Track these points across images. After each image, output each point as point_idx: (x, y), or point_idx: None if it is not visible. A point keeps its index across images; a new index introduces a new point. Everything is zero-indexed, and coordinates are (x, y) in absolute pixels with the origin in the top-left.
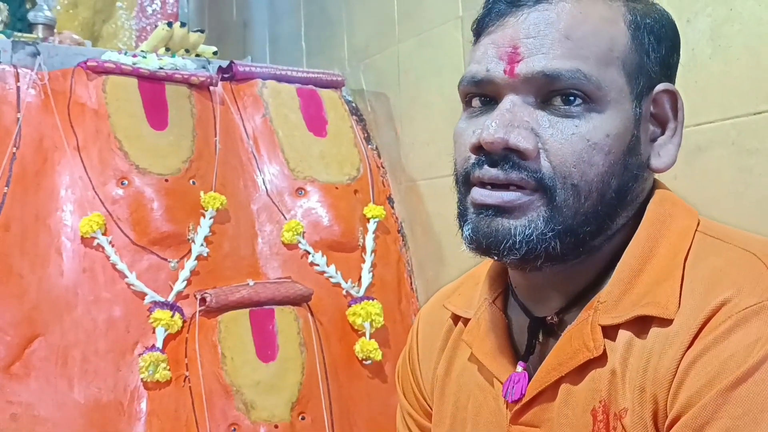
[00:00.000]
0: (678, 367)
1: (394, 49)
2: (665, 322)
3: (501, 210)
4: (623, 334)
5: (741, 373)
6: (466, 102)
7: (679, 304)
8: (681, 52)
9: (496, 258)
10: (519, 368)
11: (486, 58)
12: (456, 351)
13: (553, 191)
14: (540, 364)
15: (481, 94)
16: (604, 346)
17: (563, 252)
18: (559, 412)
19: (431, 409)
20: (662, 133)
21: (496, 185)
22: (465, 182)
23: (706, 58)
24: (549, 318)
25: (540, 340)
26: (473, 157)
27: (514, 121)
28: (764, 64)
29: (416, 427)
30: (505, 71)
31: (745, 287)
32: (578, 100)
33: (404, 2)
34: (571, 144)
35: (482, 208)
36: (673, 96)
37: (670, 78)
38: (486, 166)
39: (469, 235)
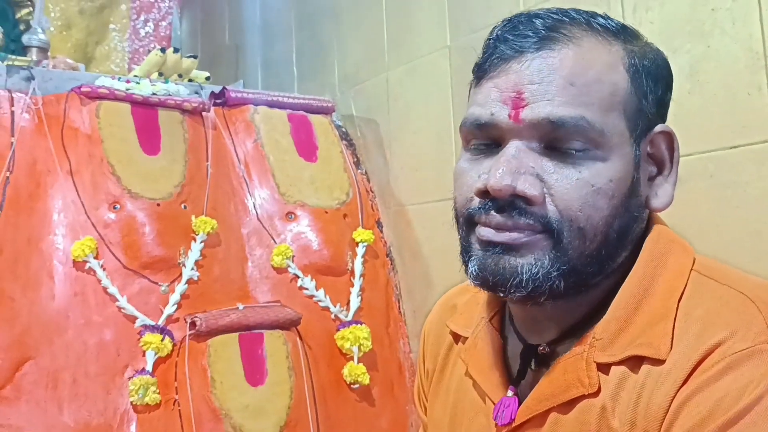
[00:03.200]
0: (671, 405)
1: (384, 76)
2: (658, 362)
3: (508, 248)
4: (616, 370)
5: (732, 414)
6: (467, 141)
7: (672, 344)
8: None
9: (501, 294)
10: (510, 393)
11: (489, 102)
12: (455, 365)
13: (560, 233)
14: (530, 389)
15: (484, 137)
16: (599, 382)
17: (566, 290)
18: None
19: None
20: (659, 173)
21: (502, 229)
22: (468, 223)
23: (685, 93)
24: (541, 348)
25: (533, 367)
26: (477, 200)
27: (520, 168)
28: (740, 100)
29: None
30: (509, 116)
31: (739, 330)
32: (581, 146)
33: (394, 31)
34: (576, 189)
35: (489, 245)
36: (669, 137)
37: (664, 117)
38: (493, 212)
39: (475, 271)
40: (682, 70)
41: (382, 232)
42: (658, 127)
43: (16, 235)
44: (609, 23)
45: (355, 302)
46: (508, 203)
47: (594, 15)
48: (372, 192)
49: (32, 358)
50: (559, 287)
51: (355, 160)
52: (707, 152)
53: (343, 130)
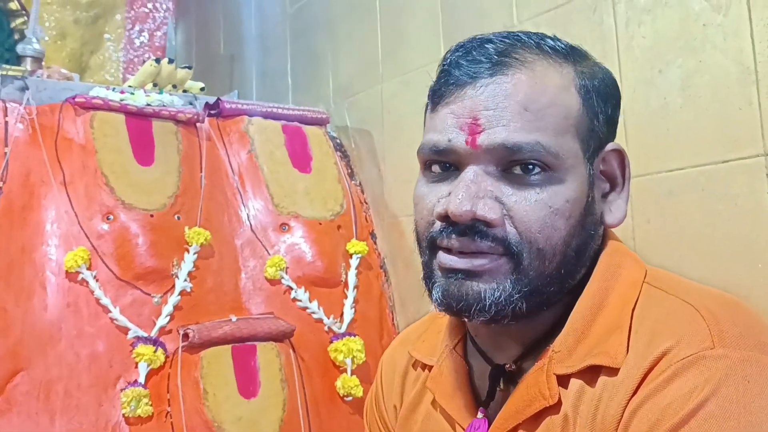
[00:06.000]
0: (623, 414)
1: (378, 87)
2: (613, 371)
3: (470, 274)
4: (574, 383)
5: (678, 419)
6: (425, 166)
7: (627, 352)
8: (653, 100)
9: (466, 319)
10: (480, 415)
11: (446, 128)
12: (422, 396)
13: (520, 256)
14: (499, 410)
15: (442, 162)
16: (559, 394)
17: (528, 311)
18: None
19: None
20: (611, 189)
21: (464, 252)
22: (431, 247)
23: (677, 107)
24: (507, 366)
25: (501, 387)
26: (438, 224)
27: (479, 192)
28: (732, 115)
29: None
30: (466, 142)
31: (684, 338)
32: (537, 169)
33: (388, 43)
34: (535, 211)
35: (451, 272)
36: (620, 154)
37: (614, 134)
38: (454, 236)
39: (439, 298)
40: (674, 85)
41: (375, 243)
42: (610, 146)
43: (9, 245)
44: (558, 45)
45: (348, 314)
46: (468, 227)
47: (543, 37)
48: (366, 203)
49: (24, 369)
50: (521, 309)
51: (350, 171)
52: (698, 166)
53: (338, 141)
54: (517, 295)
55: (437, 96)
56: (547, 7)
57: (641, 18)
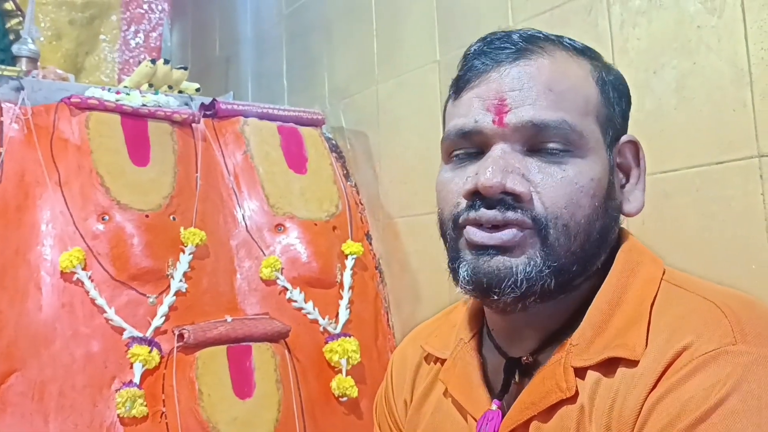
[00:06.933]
0: (642, 407)
1: (374, 89)
2: (632, 364)
3: (501, 249)
4: (591, 374)
5: (700, 414)
6: (449, 156)
7: (646, 346)
8: (648, 102)
9: (495, 297)
10: (494, 406)
11: (472, 110)
12: (432, 389)
13: (547, 231)
14: (513, 402)
15: (467, 147)
16: (577, 387)
17: (555, 289)
18: None
19: None
20: (627, 181)
21: (492, 226)
22: (455, 227)
23: (671, 109)
24: (524, 358)
25: (516, 380)
26: (464, 202)
27: (507, 167)
28: (726, 116)
29: None
30: (494, 121)
31: (705, 333)
32: (563, 147)
33: (384, 45)
34: (561, 187)
35: (480, 248)
36: (635, 146)
37: (626, 130)
38: (483, 209)
39: (467, 275)
40: (669, 87)
41: (371, 244)
42: (625, 137)
43: (4, 245)
44: (575, 43)
45: (343, 315)
46: (497, 201)
47: (561, 36)
48: (361, 204)
49: (18, 369)
50: (550, 286)
51: (345, 172)
52: (693, 167)
53: (333, 142)
54: (547, 270)
55: (461, 82)
56: (543, 9)
57: (636, 20)
